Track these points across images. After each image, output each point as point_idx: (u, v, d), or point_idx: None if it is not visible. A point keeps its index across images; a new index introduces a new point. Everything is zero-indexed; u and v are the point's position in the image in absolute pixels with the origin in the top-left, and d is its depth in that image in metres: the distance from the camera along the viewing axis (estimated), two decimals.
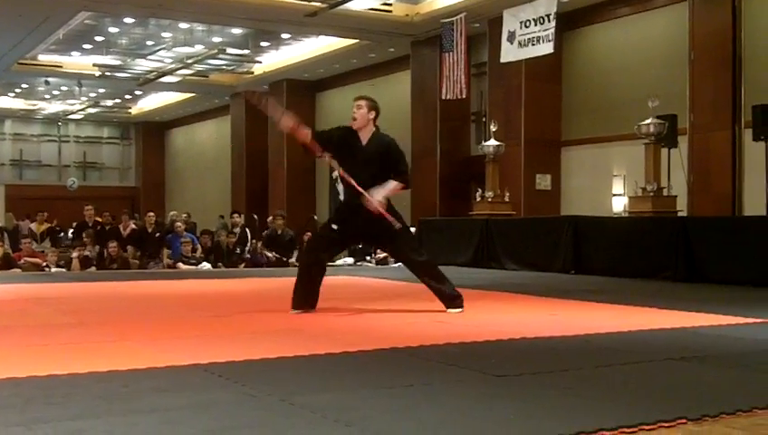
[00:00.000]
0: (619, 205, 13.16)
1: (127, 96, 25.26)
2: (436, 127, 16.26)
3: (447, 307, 5.99)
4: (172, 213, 17.06)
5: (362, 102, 5.86)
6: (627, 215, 11.56)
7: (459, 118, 16.37)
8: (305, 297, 6.01)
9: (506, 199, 12.92)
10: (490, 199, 12.76)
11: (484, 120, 15.58)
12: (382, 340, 4.56)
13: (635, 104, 11.86)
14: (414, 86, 16.91)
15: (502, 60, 13.26)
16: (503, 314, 6.16)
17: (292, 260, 14.16)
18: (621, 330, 5.07)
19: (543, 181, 14.16)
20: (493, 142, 12.87)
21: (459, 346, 4.41)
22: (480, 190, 13.14)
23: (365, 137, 5.89)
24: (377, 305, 6.72)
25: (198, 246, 13.74)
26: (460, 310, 5.95)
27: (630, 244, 9.72)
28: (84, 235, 13.06)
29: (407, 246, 6.22)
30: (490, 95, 15.12)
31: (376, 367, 3.84)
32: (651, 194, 10.19)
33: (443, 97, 14.86)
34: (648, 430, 2.65)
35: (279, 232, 14.61)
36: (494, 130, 13.05)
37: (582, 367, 3.86)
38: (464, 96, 14.70)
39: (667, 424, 2.71)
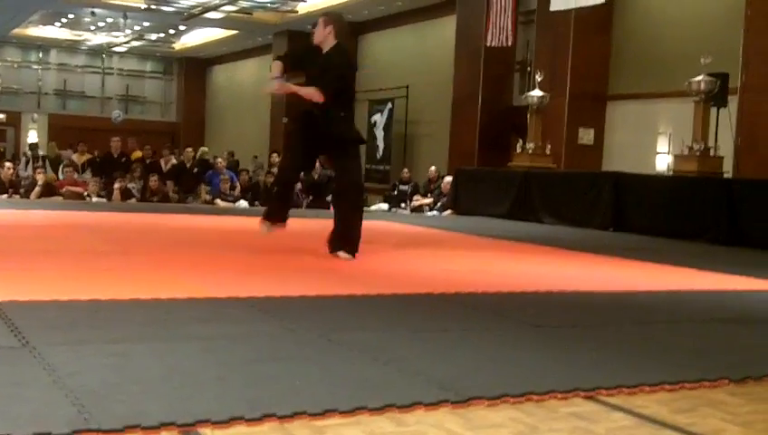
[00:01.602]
0: (663, 163, 12.93)
1: (171, 31, 25.20)
2: (480, 74, 16.03)
3: (337, 249, 5.73)
4: (202, 149, 17.04)
5: (320, 20, 5.94)
6: (671, 174, 11.37)
7: (503, 66, 16.10)
8: (279, 213, 6.08)
9: (547, 152, 12.75)
10: (530, 151, 12.61)
11: (528, 69, 15.32)
12: (418, 285, 4.56)
13: (686, 60, 11.57)
14: (459, 32, 16.64)
15: (552, 8, 12.96)
16: (540, 267, 6.11)
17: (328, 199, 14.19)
18: (661, 289, 5.02)
19: (586, 135, 13.93)
20: (537, 93, 12.66)
21: (497, 295, 4.39)
22: (521, 141, 12.98)
23: (326, 49, 5.91)
24: (412, 252, 6.71)
25: (237, 183, 13.81)
26: (349, 257, 5.67)
27: (673, 203, 9.57)
28: (134, 167, 13.24)
29: (349, 163, 5.96)
30: (537, 44, 14.84)
31: (413, 310, 3.84)
32: (697, 153, 10.00)
33: (488, 44, 14.61)
34: (689, 388, 2.62)
35: (316, 177, 14.62)
36: (539, 79, 12.84)
37: (622, 323, 3.83)
38: (509, 44, 14.44)
39: (709, 383, 2.67)
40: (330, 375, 2.53)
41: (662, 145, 13.10)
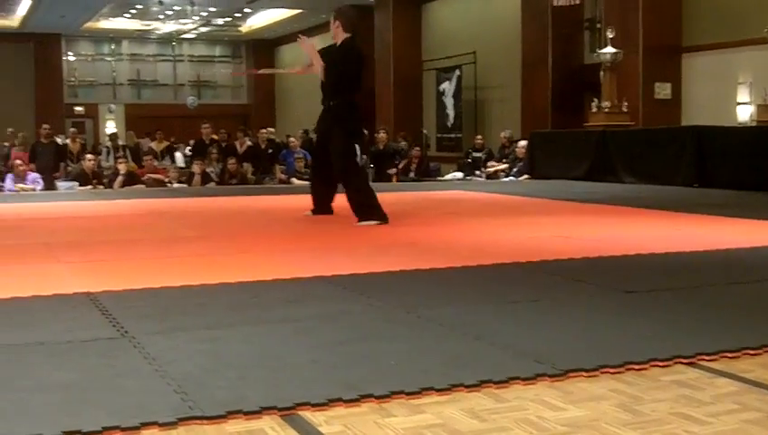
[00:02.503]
0: (745, 114, 12.50)
1: (237, 14, 25.42)
2: (548, 35, 15.74)
3: (358, 220, 6.13)
4: (269, 129, 17.14)
5: (331, 19, 6.53)
6: (754, 124, 10.98)
7: (572, 25, 15.77)
8: (321, 202, 6.69)
9: (624, 109, 12.47)
10: (606, 110, 12.34)
11: (598, 26, 14.97)
12: (502, 254, 4.50)
13: (763, 6, 11.14)
14: None
15: None
16: (625, 229, 5.98)
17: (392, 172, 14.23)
18: (754, 245, 4.85)
19: (663, 90, 13.54)
20: (609, 50, 12.37)
21: (584, 261, 4.31)
22: (596, 101, 12.72)
23: (338, 43, 6.56)
24: (492, 220, 6.65)
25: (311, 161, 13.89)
26: (371, 223, 6.05)
27: (758, 155, 9.23)
28: (214, 152, 13.48)
29: (336, 151, 6.41)
30: (606, 0, 14.48)
31: (499, 281, 3.79)
32: None
33: (555, 3, 14.29)
34: None
35: (381, 146, 14.68)
36: (610, 36, 12.53)
37: (716, 283, 3.72)
38: (577, 2, 14.12)
39: None
40: (422, 352, 2.52)
41: (743, 95, 12.65)
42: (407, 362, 2.40)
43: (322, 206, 6.68)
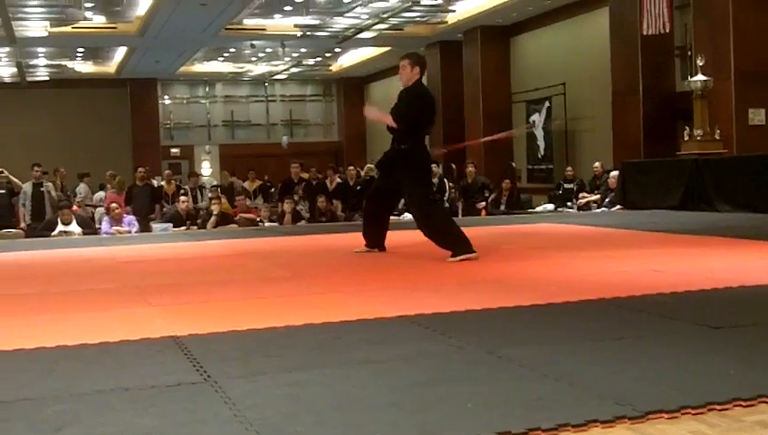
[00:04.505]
0: None
1: (327, 54, 25.89)
2: (638, 63, 15.52)
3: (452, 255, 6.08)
4: (368, 166, 17.39)
5: (405, 62, 6.34)
6: None
7: (662, 53, 15.52)
8: (375, 238, 6.78)
9: (717, 137, 12.16)
10: (699, 138, 12.07)
11: (689, 54, 14.69)
12: (589, 290, 4.44)
13: None
14: (613, 22, 16.20)
15: None
16: (718, 261, 5.81)
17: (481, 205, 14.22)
18: None
19: (757, 116, 13.14)
20: (700, 77, 12.12)
21: (672, 296, 4.21)
22: (688, 129, 12.46)
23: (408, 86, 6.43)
24: (581, 254, 6.56)
25: None
26: (459, 258, 6.00)
27: None
28: (299, 190, 13.71)
29: (409, 188, 6.47)
30: (695, 27, 14.19)
31: (584, 319, 3.74)
32: None
33: (644, 32, 14.12)
34: None
35: (470, 180, 14.70)
36: (701, 64, 12.27)
37: None
38: (667, 30, 13.89)
39: None
40: (500, 395, 2.50)
41: None
42: (484, 405, 2.39)
43: (378, 241, 6.80)
